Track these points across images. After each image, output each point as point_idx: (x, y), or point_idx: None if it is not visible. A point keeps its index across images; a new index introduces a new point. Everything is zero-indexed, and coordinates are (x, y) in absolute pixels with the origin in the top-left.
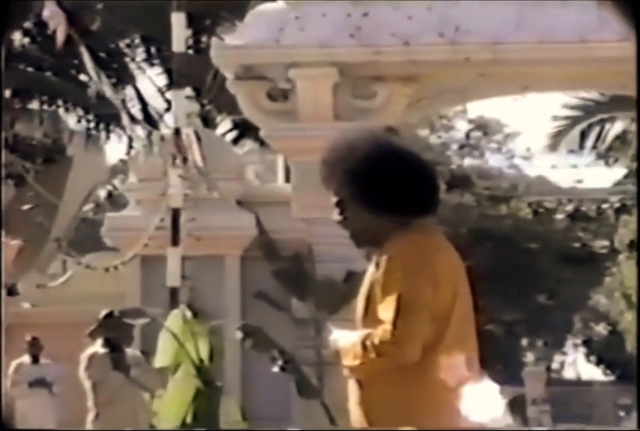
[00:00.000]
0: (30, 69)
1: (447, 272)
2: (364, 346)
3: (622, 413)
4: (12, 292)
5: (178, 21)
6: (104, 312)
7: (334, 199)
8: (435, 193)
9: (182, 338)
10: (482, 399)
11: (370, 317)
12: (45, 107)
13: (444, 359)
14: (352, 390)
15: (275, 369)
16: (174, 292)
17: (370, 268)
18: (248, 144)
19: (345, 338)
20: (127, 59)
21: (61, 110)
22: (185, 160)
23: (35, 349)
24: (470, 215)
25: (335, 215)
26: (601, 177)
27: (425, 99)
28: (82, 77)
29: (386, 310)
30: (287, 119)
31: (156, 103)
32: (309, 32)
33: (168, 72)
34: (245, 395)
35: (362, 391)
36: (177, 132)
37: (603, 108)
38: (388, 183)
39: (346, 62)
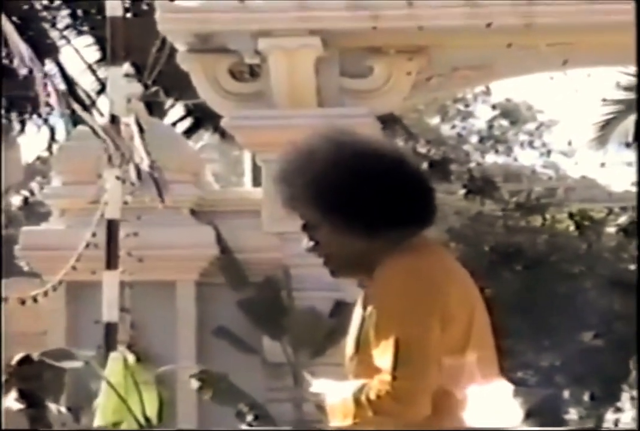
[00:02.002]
0: None
1: (459, 302)
2: (357, 401)
3: None
4: None
5: None
6: (18, 356)
7: (301, 223)
8: (430, 199)
9: (123, 389)
10: (495, 404)
11: (363, 362)
12: None
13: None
14: None
15: (244, 427)
16: (110, 329)
17: (358, 305)
18: (206, 137)
19: (332, 391)
20: (46, 25)
21: None
22: (124, 157)
23: None
24: (494, 228)
25: (305, 243)
26: None
27: (435, 78)
28: None
29: (382, 356)
30: (256, 104)
31: (85, 83)
32: None
33: (100, 42)
34: None
35: None
36: (113, 120)
37: None
38: (365, 193)
39: (332, 30)
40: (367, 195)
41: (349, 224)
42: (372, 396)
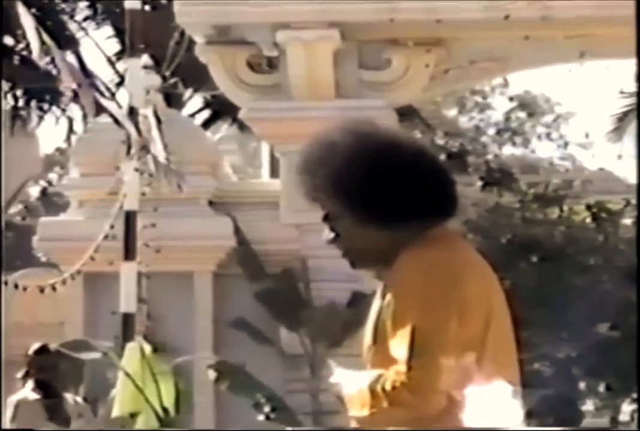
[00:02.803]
0: None
1: (479, 293)
2: (373, 392)
3: None
4: None
5: None
6: (34, 346)
7: (322, 214)
8: (450, 191)
9: (140, 379)
10: (495, 404)
11: (380, 353)
12: None
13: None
14: None
15: (261, 418)
16: (127, 320)
17: (377, 296)
18: (224, 128)
19: (350, 381)
20: (65, 17)
21: None
22: (142, 149)
23: None
24: (512, 220)
25: (326, 234)
26: None
27: (453, 70)
28: (7, 40)
29: (399, 346)
30: (274, 96)
31: (105, 75)
32: None
33: (119, 34)
34: None
35: None
36: (131, 112)
37: None
38: (386, 185)
39: (351, 22)
40: (389, 187)
41: (370, 216)
42: (388, 387)
